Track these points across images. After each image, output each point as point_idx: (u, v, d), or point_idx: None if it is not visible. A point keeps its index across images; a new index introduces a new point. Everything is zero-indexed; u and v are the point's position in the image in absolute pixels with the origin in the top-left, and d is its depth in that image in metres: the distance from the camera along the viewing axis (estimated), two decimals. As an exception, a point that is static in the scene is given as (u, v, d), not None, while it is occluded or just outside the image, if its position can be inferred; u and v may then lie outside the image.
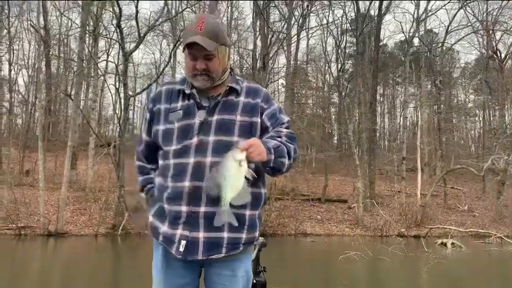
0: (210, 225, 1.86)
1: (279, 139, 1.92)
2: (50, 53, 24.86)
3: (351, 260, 11.36)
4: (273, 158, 1.83)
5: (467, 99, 40.34)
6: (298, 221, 20.48)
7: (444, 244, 15.71)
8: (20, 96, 29.25)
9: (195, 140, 1.91)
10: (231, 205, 1.80)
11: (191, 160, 1.89)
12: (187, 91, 2.00)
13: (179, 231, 1.90)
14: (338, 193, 25.20)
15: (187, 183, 1.88)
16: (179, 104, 2.00)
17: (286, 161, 1.90)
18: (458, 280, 9.70)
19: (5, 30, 20.44)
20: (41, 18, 22.94)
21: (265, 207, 1.96)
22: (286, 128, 2.01)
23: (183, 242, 1.88)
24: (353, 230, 20.40)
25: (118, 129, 19.35)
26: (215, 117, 1.94)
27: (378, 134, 36.75)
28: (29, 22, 23.04)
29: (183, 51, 1.99)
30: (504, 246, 16.01)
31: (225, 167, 1.75)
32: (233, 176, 1.75)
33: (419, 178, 23.15)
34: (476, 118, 39.50)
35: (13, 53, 24.13)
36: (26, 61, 28.73)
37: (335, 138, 37.77)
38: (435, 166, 28.61)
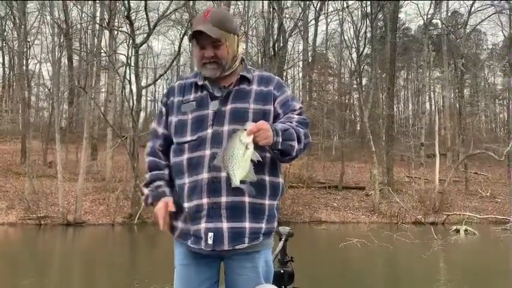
0: (232, 215, 1.89)
1: (288, 123, 1.91)
2: (72, 47, 25.51)
3: (352, 247, 11.23)
4: (280, 140, 1.81)
5: (495, 82, 38.99)
6: (313, 208, 20.39)
7: (458, 231, 15.34)
8: (46, 89, 30.30)
9: (209, 131, 1.92)
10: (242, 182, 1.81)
11: (207, 152, 1.90)
12: (200, 82, 2.02)
13: (203, 225, 1.90)
14: (356, 180, 24.94)
15: (205, 175, 1.90)
16: (192, 95, 2.02)
17: (295, 144, 1.87)
18: (452, 265, 9.48)
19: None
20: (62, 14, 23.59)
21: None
22: (298, 114, 1.99)
23: (210, 234, 1.89)
24: (369, 218, 20.18)
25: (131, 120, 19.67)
26: (228, 107, 1.94)
27: (399, 120, 36.02)
28: (50, 16, 23.56)
29: (190, 42, 2.02)
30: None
31: (231, 148, 1.77)
32: (240, 158, 1.76)
33: (437, 164, 22.61)
34: (505, 101, 38.08)
35: (30, 47, 24.63)
36: (49, 55, 29.67)
37: (358, 125, 37.24)
38: (458, 152, 27.86)
